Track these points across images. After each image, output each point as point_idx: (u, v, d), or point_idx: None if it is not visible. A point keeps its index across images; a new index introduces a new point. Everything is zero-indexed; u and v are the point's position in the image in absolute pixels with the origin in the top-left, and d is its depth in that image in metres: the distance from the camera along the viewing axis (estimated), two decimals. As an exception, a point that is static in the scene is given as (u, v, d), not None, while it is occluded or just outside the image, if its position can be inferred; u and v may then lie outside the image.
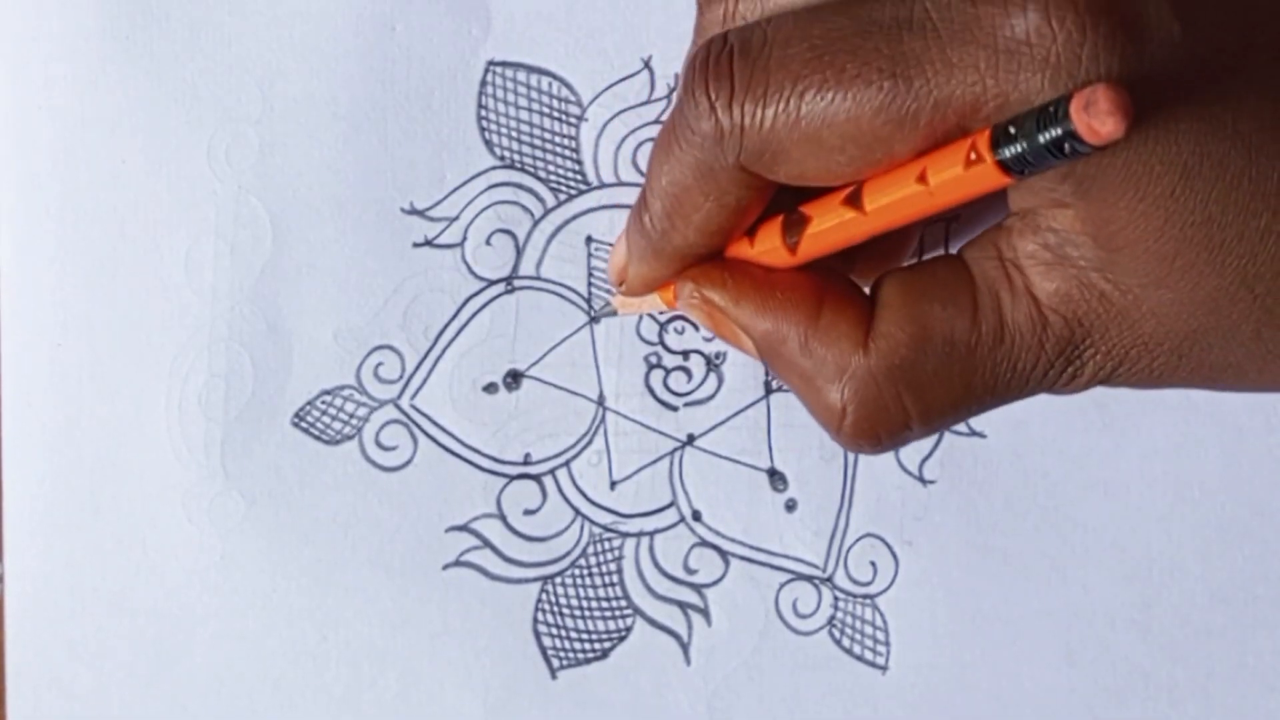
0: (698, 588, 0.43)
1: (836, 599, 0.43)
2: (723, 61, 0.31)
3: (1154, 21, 0.29)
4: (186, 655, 0.42)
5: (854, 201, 0.32)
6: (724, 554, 0.43)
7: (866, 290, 0.35)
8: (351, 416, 0.42)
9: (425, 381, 0.42)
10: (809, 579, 0.43)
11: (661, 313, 0.42)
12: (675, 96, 0.33)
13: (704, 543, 0.43)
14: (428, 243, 0.42)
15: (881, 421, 0.33)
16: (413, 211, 0.42)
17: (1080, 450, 0.43)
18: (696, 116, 0.32)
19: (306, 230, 0.42)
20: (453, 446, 0.42)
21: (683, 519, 0.43)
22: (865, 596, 0.43)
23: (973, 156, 0.29)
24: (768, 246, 0.34)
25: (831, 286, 0.34)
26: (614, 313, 0.42)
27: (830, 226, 0.33)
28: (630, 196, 0.42)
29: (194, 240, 0.41)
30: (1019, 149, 0.28)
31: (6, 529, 0.42)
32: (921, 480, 0.43)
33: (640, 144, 0.42)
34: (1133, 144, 0.29)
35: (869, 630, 0.43)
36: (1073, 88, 0.28)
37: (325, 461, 0.42)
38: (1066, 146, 0.27)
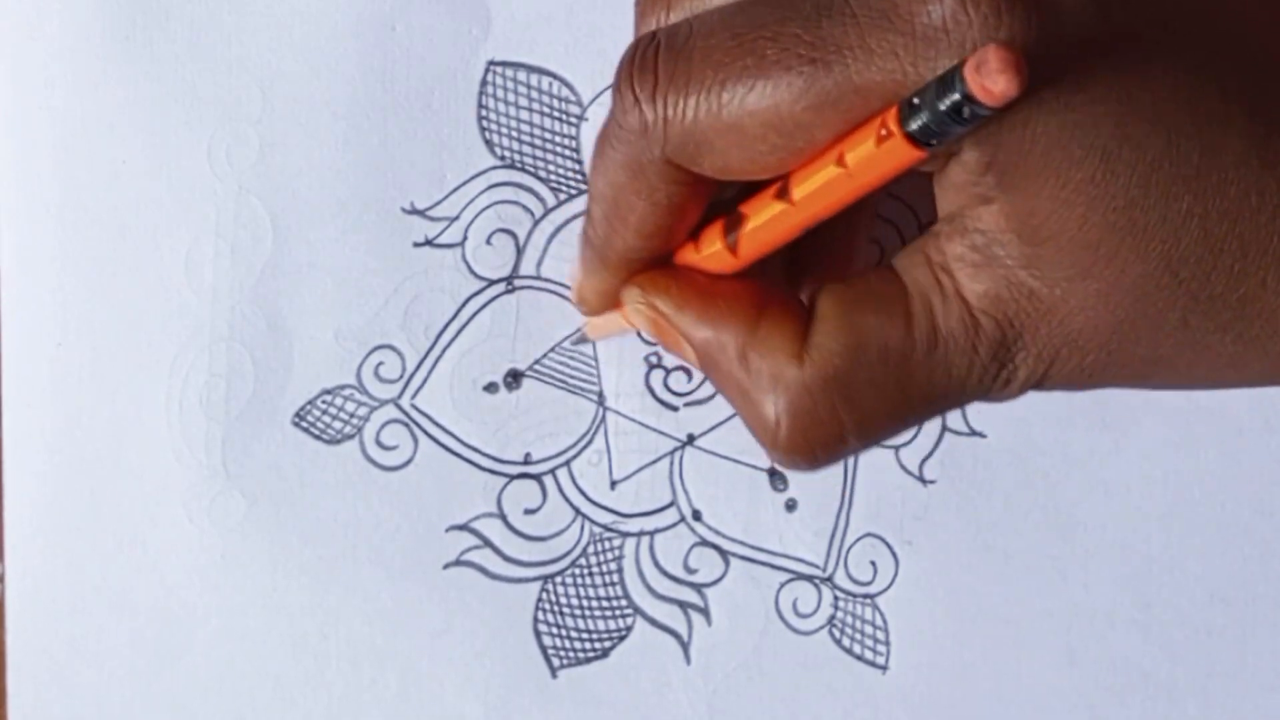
0: (698, 587, 0.43)
1: (836, 599, 0.43)
2: (648, 56, 0.31)
3: (1068, 3, 0.29)
4: (186, 655, 0.42)
5: (783, 194, 0.32)
6: (724, 554, 0.43)
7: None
8: (352, 416, 0.42)
9: (426, 381, 0.42)
10: (809, 579, 0.43)
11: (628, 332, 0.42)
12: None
13: (704, 542, 0.43)
14: (428, 242, 0.42)
15: (816, 435, 0.33)
16: (413, 211, 0.42)
17: (1080, 450, 0.43)
18: (623, 112, 0.32)
19: (307, 230, 0.42)
20: (453, 446, 0.42)
21: (683, 518, 0.43)
22: (865, 596, 0.43)
23: (883, 133, 0.29)
24: (712, 250, 0.34)
25: (773, 297, 0.34)
26: (587, 339, 0.42)
27: (765, 222, 0.33)
28: (630, 196, 0.42)
29: (194, 240, 0.41)
30: (923, 119, 0.28)
31: (7, 529, 0.42)
32: (921, 480, 0.43)
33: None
34: (1051, 126, 0.29)
35: (869, 630, 0.43)
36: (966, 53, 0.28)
37: (326, 461, 0.42)
38: (966, 110, 0.27)
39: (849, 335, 0.32)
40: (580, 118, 0.42)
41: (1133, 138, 0.29)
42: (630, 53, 0.32)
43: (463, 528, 0.42)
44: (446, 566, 0.42)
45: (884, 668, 0.43)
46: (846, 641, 0.43)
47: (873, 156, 0.29)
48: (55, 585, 0.42)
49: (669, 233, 0.34)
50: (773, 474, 0.43)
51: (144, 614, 0.42)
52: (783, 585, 0.43)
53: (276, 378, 0.42)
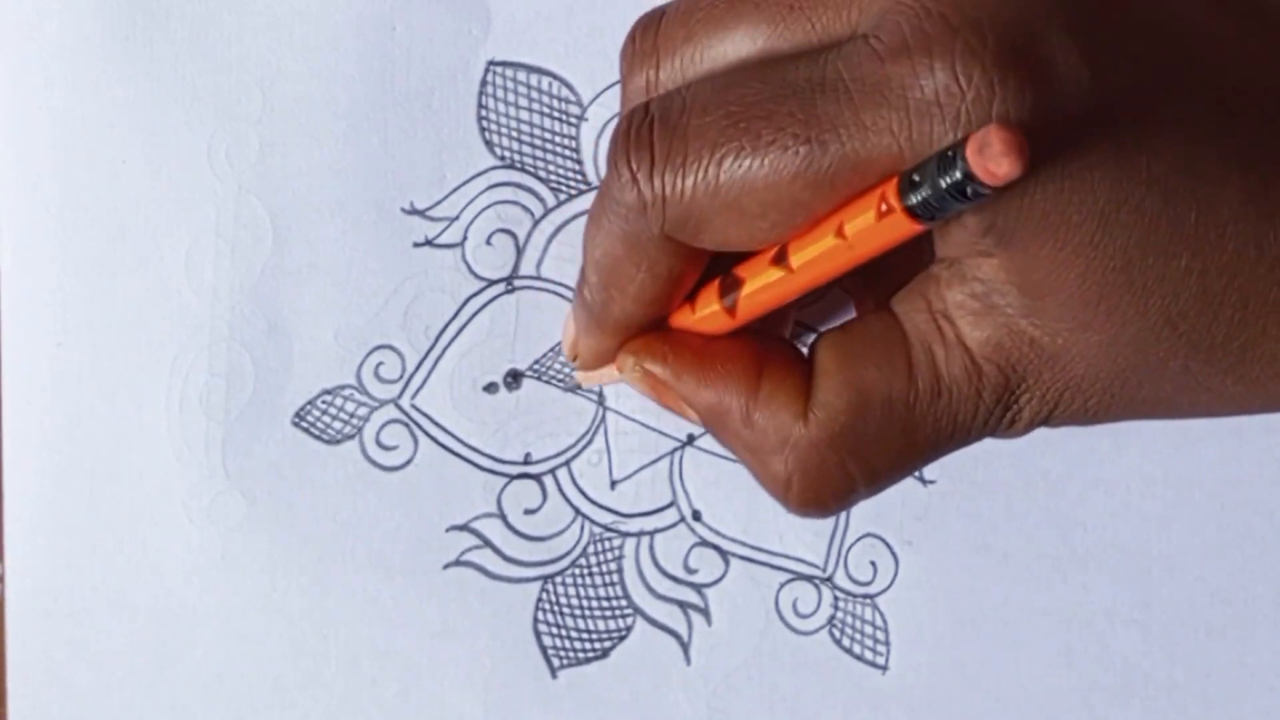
0: (698, 587, 0.43)
1: (836, 599, 0.43)
2: (643, 132, 0.31)
3: (1062, 70, 0.28)
4: (186, 655, 0.42)
5: (781, 260, 0.32)
6: (724, 554, 0.43)
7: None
8: (352, 416, 0.42)
9: (426, 381, 0.42)
10: (809, 579, 0.43)
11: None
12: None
13: (704, 542, 0.43)
14: (428, 242, 0.42)
15: (827, 489, 0.33)
16: (413, 211, 0.42)
17: (1080, 450, 0.43)
18: (620, 188, 0.32)
19: (307, 230, 0.42)
20: (453, 446, 0.42)
21: (683, 519, 0.43)
22: (865, 596, 0.43)
23: (884, 207, 0.29)
24: (709, 311, 0.34)
25: (771, 354, 0.34)
26: (578, 386, 0.42)
27: (762, 286, 0.33)
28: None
29: (194, 240, 0.41)
30: (924, 194, 0.28)
31: (6, 529, 0.42)
32: (921, 480, 0.43)
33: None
34: (1049, 193, 0.29)
35: (869, 630, 0.43)
36: (968, 132, 0.28)
37: (326, 461, 0.42)
38: (969, 190, 0.27)
39: (852, 390, 0.32)
40: (580, 118, 0.42)
41: (1129, 200, 0.29)
42: (624, 126, 0.32)
43: (463, 528, 0.42)
44: (446, 566, 0.42)
45: (884, 668, 0.43)
46: (846, 641, 0.43)
47: (873, 229, 0.29)
48: (55, 585, 0.42)
49: (667, 300, 0.35)
50: (773, 474, 0.43)
51: (144, 614, 0.42)
52: (783, 585, 0.43)
53: (276, 378, 0.42)
